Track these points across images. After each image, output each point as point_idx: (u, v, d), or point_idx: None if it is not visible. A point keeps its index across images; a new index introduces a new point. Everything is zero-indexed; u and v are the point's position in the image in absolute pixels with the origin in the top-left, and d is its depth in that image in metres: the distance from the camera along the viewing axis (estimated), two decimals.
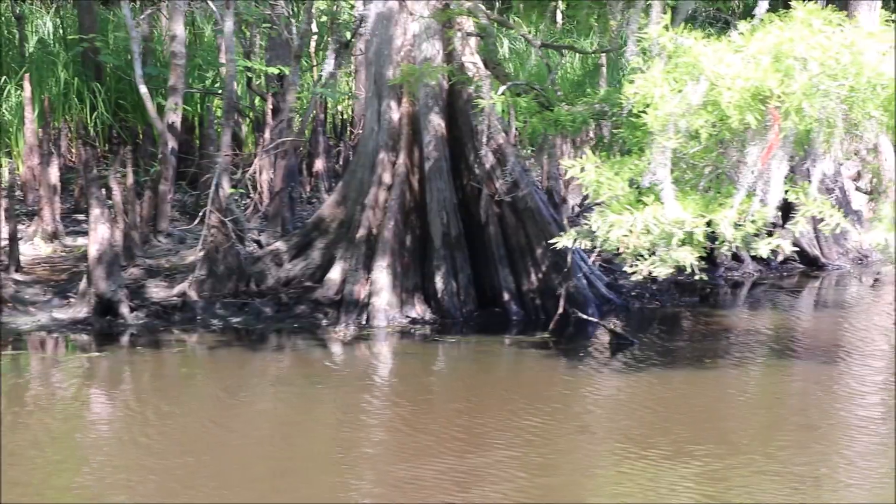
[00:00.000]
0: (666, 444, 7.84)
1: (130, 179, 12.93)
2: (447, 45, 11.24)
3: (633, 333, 10.90)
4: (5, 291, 11.29)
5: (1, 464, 7.37)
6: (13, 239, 12.11)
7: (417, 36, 11.38)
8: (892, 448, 7.77)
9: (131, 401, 9.22)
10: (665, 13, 8.31)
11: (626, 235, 8.19)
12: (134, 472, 7.42)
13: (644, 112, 7.92)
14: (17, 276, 11.93)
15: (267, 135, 14.70)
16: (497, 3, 15.96)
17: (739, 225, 8.01)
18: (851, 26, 7.67)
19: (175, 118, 13.47)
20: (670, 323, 11.59)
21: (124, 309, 11.06)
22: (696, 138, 8.07)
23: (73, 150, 16.90)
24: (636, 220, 8.08)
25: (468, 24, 11.13)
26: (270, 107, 15.20)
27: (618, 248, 8.43)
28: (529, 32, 11.38)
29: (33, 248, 13.26)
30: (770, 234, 9.03)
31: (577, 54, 17.19)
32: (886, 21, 8.10)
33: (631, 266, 8.44)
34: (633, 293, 12.29)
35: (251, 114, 17.22)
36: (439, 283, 11.36)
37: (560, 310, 10.95)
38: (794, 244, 13.95)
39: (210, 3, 14.07)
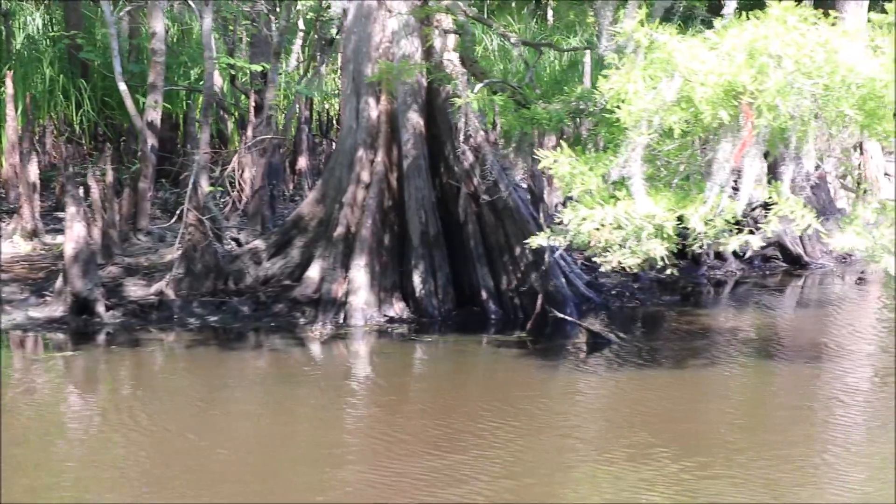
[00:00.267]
0: (626, 446, 7.81)
1: (110, 177, 12.85)
2: (426, 42, 11.18)
3: (612, 333, 10.84)
4: None
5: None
6: None
7: (396, 33, 11.31)
8: (862, 453, 7.75)
9: (105, 400, 9.16)
10: (640, 8, 8.25)
11: (597, 229, 8.16)
12: (107, 472, 7.38)
13: (618, 108, 7.87)
14: None
15: (249, 132, 14.63)
16: (478, 1, 15.88)
17: (710, 221, 7.96)
18: (826, 24, 7.61)
19: (155, 116, 13.39)
20: (650, 322, 11.53)
21: (100, 308, 11.00)
22: (670, 135, 8.03)
23: (56, 148, 16.81)
24: (607, 215, 8.04)
25: (447, 21, 11.07)
26: (253, 104, 15.13)
27: (589, 242, 8.40)
28: (507, 29, 11.37)
29: (13, 246, 13.19)
30: (752, 233, 9.00)
31: (563, 52, 17.10)
32: (870, 21, 8.03)
33: (600, 258, 8.41)
34: (614, 292, 12.23)
35: (236, 111, 17.13)
36: (417, 281, 11.30)
37: (538, 309, 10.90)
38: (778, 242, 13.97)
39: (190, 1, 13.99)
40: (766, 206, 9.62)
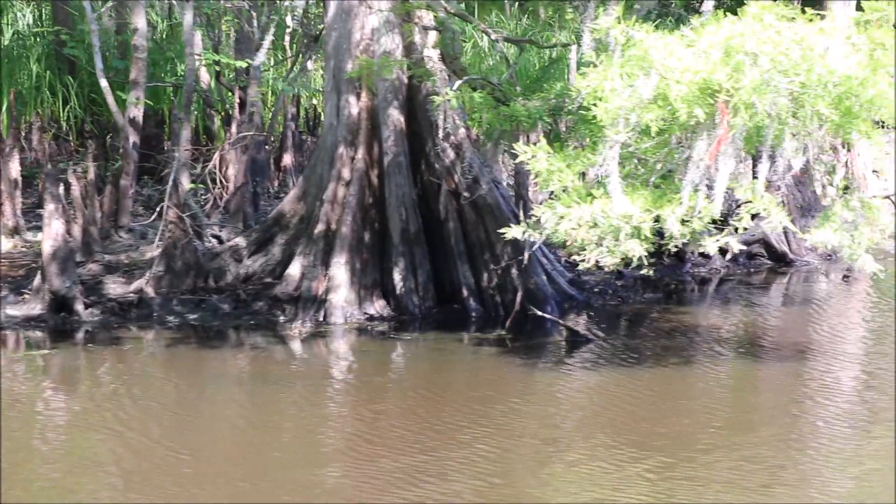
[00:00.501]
0: (594, 446, 7.80)
1: (92, 174, 12.80)
2: (406, 39, 11.11)
3: (593, 331, 10.80)
4: None
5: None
6: None
7: (376, 30, 11.25)
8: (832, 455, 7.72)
9: (82, 399, 9.11)
10: (618, 4, 8.20)
11: (574, 228, 8.12)
12: (85, 472, 7.35)
13: (594, 105, 7.82)
14: None
15: (234, 129, 14.57)
16: None
17: (687, 221, 7.91)
18: (803, 21, 7.56)
19: (137, 112, 13.32)
20: (631, 320, 11.48)
21: (79, 306, 10.95)
22: (647, 133, 7.99)
23: (41, 144, 16.73)
24: (583, 214, 8.00)
25: (428, 17, 11.01)
26: (238, 100, 15.07)
27: (566, 241, 8.38)
28: (497, 25, 11.29)
29: None
30: (737, 230, 8.95)
31: (550, 49, 16.99)
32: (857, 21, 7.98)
33: (578, 256, 8.38)
34: (597, 289, 12.18)
35: (222, 108, 17.07)
36: (398, 279, 11.24)
37: (517, 307, 10.85)
38: (763, 240, 13.92)
39: None
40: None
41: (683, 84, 7.59)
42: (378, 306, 11.25)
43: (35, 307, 10.93)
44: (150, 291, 11.34)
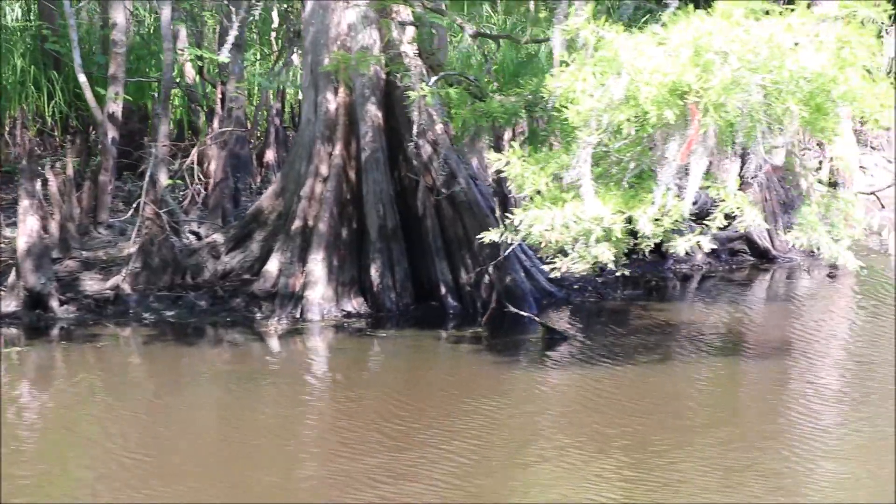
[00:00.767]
0: (548, 448, 7.75)
1: (70, 170, 12.73)
2: (384, 34, 11.04)
3: (570, 328, 10.75)
4: None
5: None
6: None
7: (353, 25, 11.17)
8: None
9: (56, 397, 9.08)
10: (587, 5, 8.13)
11: (547, 230, 8.09)
12: (59, 470, 7.34)
13: (566, 107, 7.78)
14: None
15: (216, 124, 14.51)
16: None
17: (658, 221, 7.87)
18: (771, 19, 7.50)
19: (116, 108, 13.24)
20: (610, 317, 11.42)
21: (54, 302, 10.90)
22: (620, 133, 7.94)
23: (22, 139, 16.66)
24: (556, 217, 7.96)
25: (405, 12, 10.94)
26: (220, 95, 15.00)
27: (540, 243, 8.35)
28: (487, 21, 11.20)
29: None
30: (724, 227, 8.90)
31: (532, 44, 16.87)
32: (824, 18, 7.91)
33: (551, 261, 8.37)
34: (576, 286, 12.12)
35: (206, 103, 16.99)
36: (375, 276, 11.19)
37: (493, 304, 10.81)
38: (745, 236, 13.86)
39: None
40: None
41: (653, 86, 7.53)
42: (355, 303, 11.19)
43: (10, 304, 10.87)
44: (126, 288, 11.29)
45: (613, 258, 7.99)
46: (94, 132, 16.63)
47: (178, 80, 16.70)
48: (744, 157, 9.54)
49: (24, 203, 10.85)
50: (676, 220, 7.73)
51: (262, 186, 15.89)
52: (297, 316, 11.00)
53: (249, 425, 8.34)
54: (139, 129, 16.63)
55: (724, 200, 8.11)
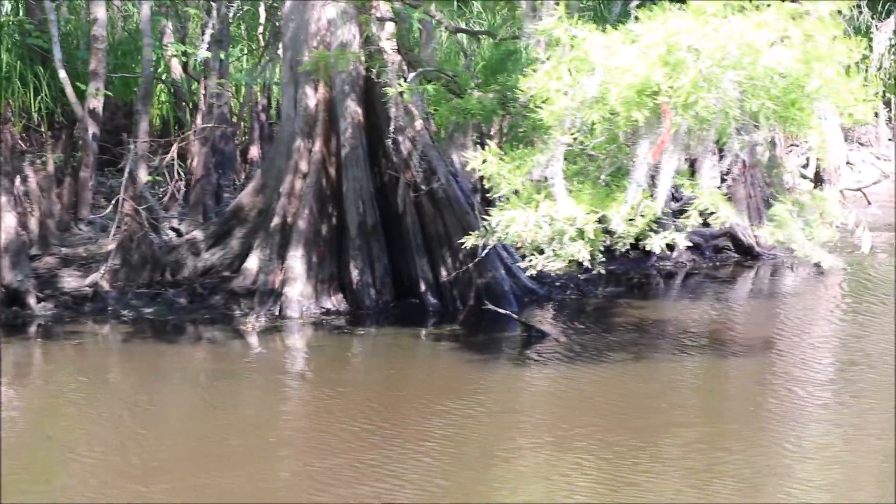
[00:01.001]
0: (511, 448, 7.73)
1: (51, 166, 12.67)
2: (364, 30, 10.99)
3: (550, 326, 10.71)
4: None
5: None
6: None
7: (333, 21, 11.11)
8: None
9: (30, 394, 9.04)
10: (559, 5, 8.09)
11: (523, 231, 8.07)
12: (37, 469, 7.32)
13: (540, 107, 7.74)
14: None
15: (199, 120, 14.43)
16: None
17: (632, 220, 7.83)
18: (741, 17, 7.45)
19: (97, 103, 13.18)
20: (592, 315, 11.37)
21: (31, 299, 10.86)
22: (594, 132, 7.91)
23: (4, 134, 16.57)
24: (530, 217, 7.93)
25: (384, 8, 10.88)
26: (203, 91, 14.92)
27: (517, 243, 8.33)
28: (477, 17, 11.14)
29: None
30: (706, 225, 8.87)
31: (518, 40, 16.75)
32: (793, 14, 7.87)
33: (528, 260, 8.35)
34: (558, 283, 12.05)
35: (191, 99, 16.92)
36: (355, 273, 11.14)
37: (471, 302, 10.77)
38: (729, 233, 13.81)
39: None
40: None
41: (622, 87, 7.49)
42: (335, 300, 11.15)
43: None
44: (105, 285, 11.24)
45: (590, 256, 7.94)
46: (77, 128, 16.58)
47: (164, 76, 16.65)
48: (721, 155, 9.49)
49: (2, 200, 10.80)
50: (650, 220, 7.68)
51: (245, 183, 15.81)
52: (277, 313, 10.95)
53: (227, 423, 8.32)
54: (125, 124, 16.53)
55: (698, 198, 8.08)
